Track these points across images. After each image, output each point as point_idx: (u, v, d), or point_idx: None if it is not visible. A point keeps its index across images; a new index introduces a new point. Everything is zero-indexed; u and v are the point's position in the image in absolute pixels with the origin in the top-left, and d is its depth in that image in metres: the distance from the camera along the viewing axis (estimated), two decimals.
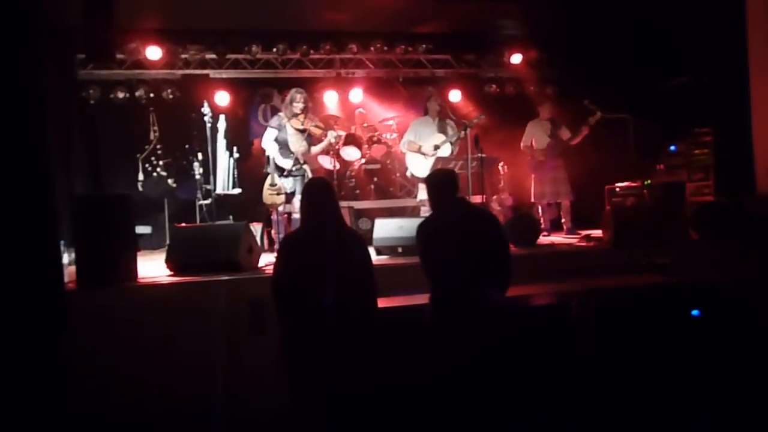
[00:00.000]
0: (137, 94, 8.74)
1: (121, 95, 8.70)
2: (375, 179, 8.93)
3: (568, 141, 7.82)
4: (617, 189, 8.65)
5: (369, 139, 8.74)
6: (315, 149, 6.89)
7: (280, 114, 6.78)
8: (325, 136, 6.82)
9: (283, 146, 6.71)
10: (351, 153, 8.34)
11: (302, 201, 3.76)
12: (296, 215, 6.59)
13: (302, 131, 6.66)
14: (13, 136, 4.21)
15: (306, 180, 6.65)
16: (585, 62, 8.61)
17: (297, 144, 6.64)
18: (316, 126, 6.73)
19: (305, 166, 6.73)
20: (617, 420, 4.45)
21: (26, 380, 3.97)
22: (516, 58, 9.47)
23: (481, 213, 4.29)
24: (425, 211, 7.41)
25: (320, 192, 3.68)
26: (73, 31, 7.73)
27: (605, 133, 7.87)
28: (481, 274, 3.76)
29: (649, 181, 8.58)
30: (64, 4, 5.97)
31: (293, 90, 6.77)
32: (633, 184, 8.56)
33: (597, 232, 7.37)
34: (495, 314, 3.80)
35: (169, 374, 4.60)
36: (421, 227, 4.00)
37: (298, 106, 6.62)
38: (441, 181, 4.08)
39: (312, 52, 9.17)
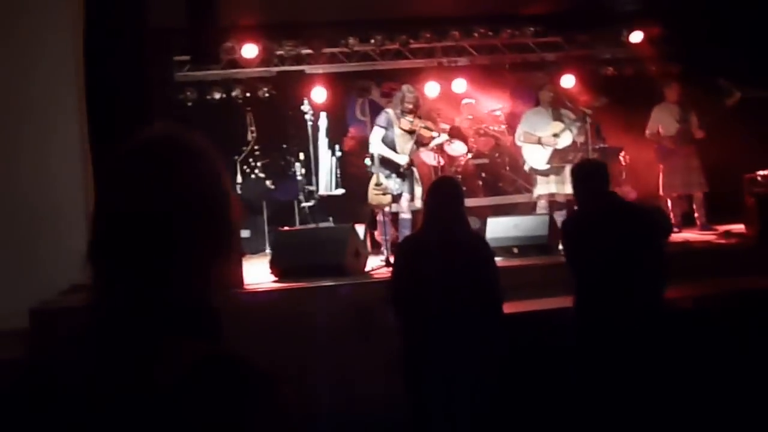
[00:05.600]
0: (233, 94, 8.98)
1: (217, 96, 8.96)
2: (483, 174, 8.80)
3: (695, 129, 7.45)
4: (758, 178, 8.12)
5: (475, 132, 8.61)
6: (423, 151, 6.85)
7: (389, 111, 6.75)
8: (433, 138, 6.76)
9: (390, 147, 6.67)
10: (456, 147, 8.22)
11: (427, 201, 3.74)
12: (404, 216, 6.56)
13: (410, 132, 6.60)
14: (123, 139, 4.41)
15: (413, 181, 6.64)
16: (718, 34, 8.09)
17: (404, 145, 6.60)
18: (426, 128, 6.66)
19: (414, 168, 6.68)
20: None
21: None
22: (636, 36, 9.03)
23: (636, 210, 4.14)
24: (542, 207, 7.22)
25: (448, 193, 3.63)
26: (171, 33, 8.06)
27: (744, 115, 7.40)
28: (636, 278, 3.61)
29: None
30: (161, 6, 6.21)
31: (404, 86, 6.76)
32: None
33: (737, 227, 6.99)
34: (649, 321, 3.63)
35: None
36: (567, 224, 3.97)
37: (408, 105, 6.58)
38: (591, 174, 3.95)
39: (411, 41, 9.11)
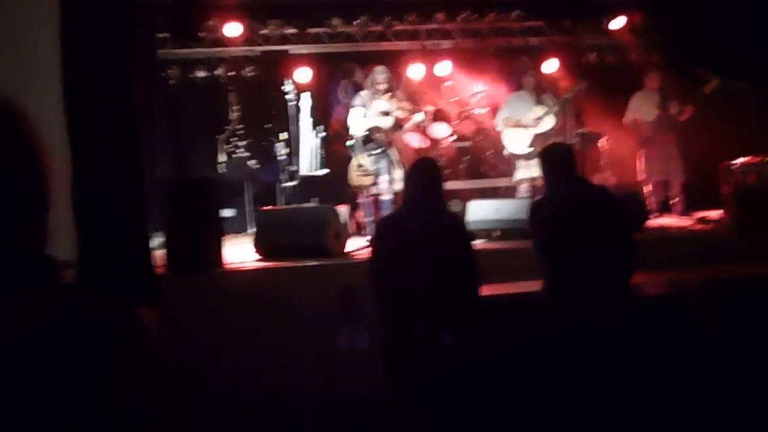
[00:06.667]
0: (217, 72, 8.89)
1: (201, 74, 8.87)
2: (465, 157, 8.81)
3: (675, 116, 7.49)
4: (734, 166, 8.21)
5: (458, 115, 8.61)
6: (407, 133, 6.82)
7: (362, 93, 6.74)
8: (411, 118, 6.74)
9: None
10: (440, 130, 8.24)
11: (406, 181, 3.74)
12: (384, 197, 6.56)
13: (386, 113, 6.59)
14: (102, 119, 4.35)
15: (391, 161, 6.63)
16: (697, 25, 8.14)
17: (381, 126, 6.58)
18: (401, 108, 6.64)
19: (389, 151, 6.67)
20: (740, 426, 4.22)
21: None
22: (618, 23, 9.06)
23: (604, 194, 4.12)
24: (523, 191, 7.25)
25: (426, 173, 3.64)
26: (154, 9, 7.94)
27: (722, 104, 7.46)
28: (605, 264, 3.63)
29: None
30: None
31: (376, 68, 6.72)
32: (753, 161, 8.09)
33: (712, 214, 7.05)
34: (620, 308, 3.66)
35: (259, 363, 4.68)
36: (536, 208, 3.86)
37: (381, 86, 6.55)
38: (559, 156, 3.90)
39: (395, 23, 9.09)
